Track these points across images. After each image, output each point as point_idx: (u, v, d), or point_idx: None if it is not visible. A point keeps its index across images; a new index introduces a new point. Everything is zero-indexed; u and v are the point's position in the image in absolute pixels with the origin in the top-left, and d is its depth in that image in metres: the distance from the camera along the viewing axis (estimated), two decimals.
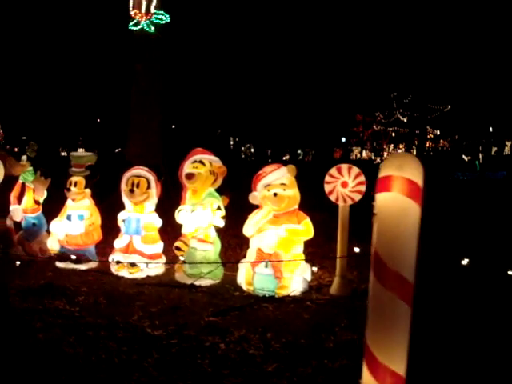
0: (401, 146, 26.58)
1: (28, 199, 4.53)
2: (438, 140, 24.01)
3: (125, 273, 4.10)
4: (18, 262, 4.25)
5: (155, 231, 4.19)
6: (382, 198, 1.52)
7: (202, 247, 3.92)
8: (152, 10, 6.37)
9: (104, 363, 2.67)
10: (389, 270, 1.51)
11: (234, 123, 28.28)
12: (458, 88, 20.16)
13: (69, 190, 4.25)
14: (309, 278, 3.88)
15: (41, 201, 4.57)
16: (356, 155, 31.73)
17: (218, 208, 3.99)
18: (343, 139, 36.45)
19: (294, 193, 3.79)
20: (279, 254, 3.68)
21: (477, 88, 20.28)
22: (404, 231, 1.51)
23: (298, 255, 3.82)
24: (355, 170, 3.70)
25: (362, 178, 3.68)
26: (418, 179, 1.54)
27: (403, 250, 1.51)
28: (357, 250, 4.04)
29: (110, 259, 4.18)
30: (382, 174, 1.55)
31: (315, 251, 4.93)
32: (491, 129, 24.02)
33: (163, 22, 6.40)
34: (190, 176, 3.89)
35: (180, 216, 4.02)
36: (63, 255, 4.29)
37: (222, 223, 4.01)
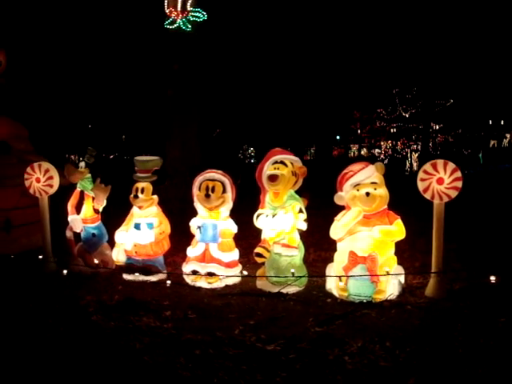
0: (399, 143, 26.69)
1: (87, 208, 4.23)
2: (437, 135, 24.09)
3: (202, 283, 3.85)
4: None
5: (231, 238, 3.95)
6: None
7: (288, 253, 3.70)
8: (188, 7, 6.13)
9: None
10: None
11: (231, 122, 27.73)
12: (459, 82, 20.26)
13: (136, 196, 3.98)
14: (403, 280, 3.70)
15: (100, 209, 4.29)
16: (354, 152, 31.70)
17: (300, 210, 3.78)
18: (337, 137, 36.47)
19: (384, 192, 3.60)
20: (375, 257, 3.49)
21: (476, 81, 20.42)
22: None
23: (392, 257, 3.63)
24: (451, 165, 3.52)
25: (459, 174, 3.51)
26: None
27: None
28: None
29: (184, 269, 3.93)
30: None
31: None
32: (490, 122, 24.29)
33: (200, 19, 6.15)
34: (273, 178, 3.66)
35: (260, 220, 3.79)
36: (131, 267, 4.02)
37: (305, 226, 3.80)
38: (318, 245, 5.07)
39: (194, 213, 4.04)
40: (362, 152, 30.11)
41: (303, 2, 20.32)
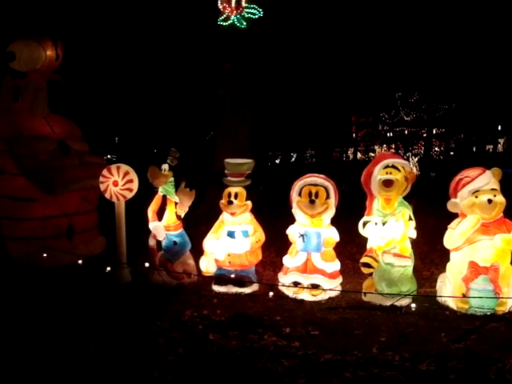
0: (393, 146, 26.77)
1: (170, 214, 3.92)
2: (439, 139, 24.32)
3: (305, 295, 3.60)
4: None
5: (333, 247, 3.71)
6: None
7: (401, 263, 3.48)
8: (243, 3, 5.86)
9: None
10: None
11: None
12: (462, 86, 20.46)
13: (230, 202, 3.70)
14: None
15: (182, 215, 3.99)
16: (349, 156, 31.82)
17: (410, 218, 3.58)
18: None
19: (503, 199, 3.43)
20: (497, 267, 3.32)
21: (477, 85, 20.65)
22: None
23: (510, 267, 3.47)
24: None
25: None
26: None
27: None
28: None
29: (283, 280, 3.67)
30: None
31: None
32: (487, 126, 24.75)
33: (256, 16, 5.89)
34: (388, 183, 3.45)
35: (368, 228, 3.57)
36: (224, 278, 3.74)
37: (415, 234, 3.60)
38: None
39: None
40: (358, 156, 30.32)
41: (304, 4, 20.10)
